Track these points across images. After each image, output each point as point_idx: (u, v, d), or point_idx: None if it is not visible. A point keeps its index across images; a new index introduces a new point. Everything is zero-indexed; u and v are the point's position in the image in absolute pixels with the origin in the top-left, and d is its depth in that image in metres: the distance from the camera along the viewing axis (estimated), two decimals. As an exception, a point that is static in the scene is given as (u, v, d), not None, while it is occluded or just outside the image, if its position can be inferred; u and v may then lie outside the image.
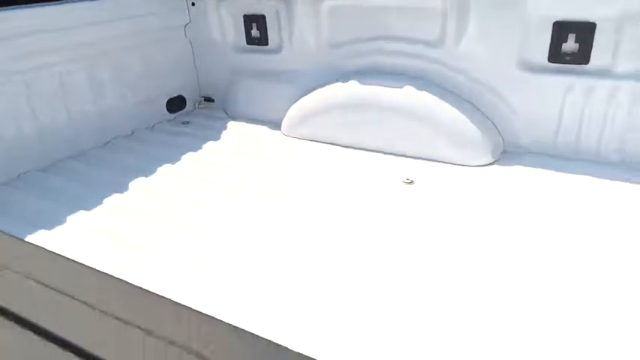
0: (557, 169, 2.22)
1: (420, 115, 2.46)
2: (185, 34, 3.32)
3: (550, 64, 2.28)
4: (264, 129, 3.01)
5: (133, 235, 1.89)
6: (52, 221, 2.00)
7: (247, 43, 3.14)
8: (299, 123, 2.84)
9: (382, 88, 2.56)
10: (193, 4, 3.25)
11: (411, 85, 2.51)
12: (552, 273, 1.55)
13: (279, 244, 1.78)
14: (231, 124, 3.13)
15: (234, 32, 3.16)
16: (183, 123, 3.20)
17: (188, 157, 2.63)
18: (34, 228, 1.94)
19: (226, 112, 3.31)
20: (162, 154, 2.65)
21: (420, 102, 2.46)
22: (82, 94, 2.75)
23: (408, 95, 2.49)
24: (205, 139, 2.87)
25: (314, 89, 2.81)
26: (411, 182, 2.23)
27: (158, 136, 2.98)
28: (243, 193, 2.18)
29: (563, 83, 2.26)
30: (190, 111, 3.43)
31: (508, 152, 2.46)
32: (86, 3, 2.71)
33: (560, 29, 2.20)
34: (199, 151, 2.71)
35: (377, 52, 2.70)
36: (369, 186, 2.19)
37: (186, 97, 3.42)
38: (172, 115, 3.31)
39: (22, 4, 2.53)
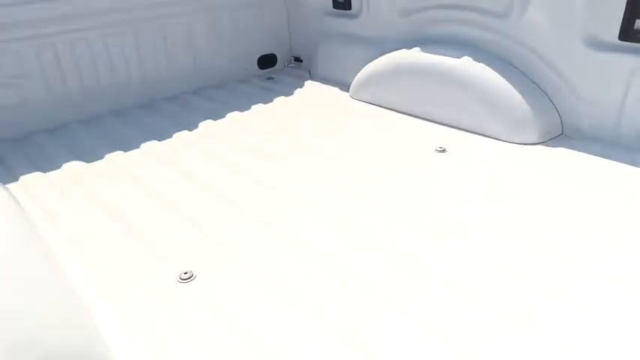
0: (605, 157, 2.07)
1: (473, 86, 2.42)
2: None
3: (620, 42, 2.08)
4: (334, 90, 3.18)
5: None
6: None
7: (333, 7, 3.30)
8: (362, 87, 2.96)
9: (442, 57, 2.56)
10: (290, -33, 3.48)
11: (472, 55, 2.47)
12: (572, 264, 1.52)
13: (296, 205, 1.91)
14: (308, 83, 3.35)
15: None
16: (268, 79, 3.50)
17: (256, 107, 2.92)
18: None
19: (309, 72, 3.53)
20: (238, 103, 2.98)
21: (474, 73, 2.42)
22: (182, 46, 3.17)
23: (464, 65, 2.46)
24: (277, 94, 3.13)
25: (383, 55, 2.90)
26: (444, 150, 2.25)
27: (242, 88, 3.31)
28: (278, 147, 2.39)
29: (633, 64, 2.06)
30: (280, 69, 3.72)
31: (565, 135, 2.33)
32: None
33: (635, 3, 1.99)
34: (268, 104, 2.99)
35: (446, 21, 2.68)
36: (402, 152, 2.26)
37: (277, 55, 3.71)
38: (262, 71, 3.63)
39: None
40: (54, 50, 2.68)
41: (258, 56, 3.60)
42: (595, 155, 2.11)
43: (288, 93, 3.17)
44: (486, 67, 2.41)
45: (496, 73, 2.39)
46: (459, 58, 2.49)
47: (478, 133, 2.43)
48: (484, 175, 2.01)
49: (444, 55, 2.55)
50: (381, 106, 2.86)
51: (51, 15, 2.61)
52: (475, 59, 2.45)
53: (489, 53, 2.50)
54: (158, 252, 1.61)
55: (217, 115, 2.81)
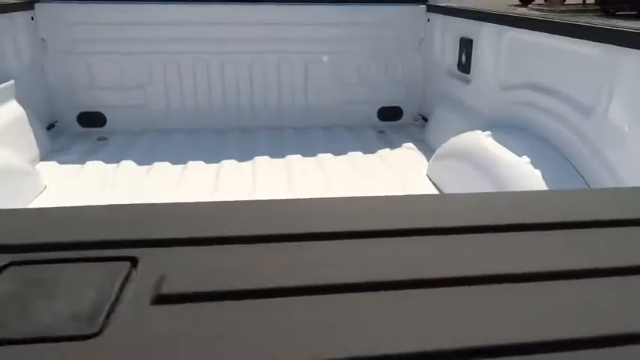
0: None
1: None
2: (418, 49, 3.32)
3: None
4: (420, 158, 2.79)
5: None
6: None
7: (458, 69, 2.90)
8: (433, 164, 2.53)
9: (501, 148, 1.98)
10: (429, 20, 3.20)
11: (534, 155, 1.85)
12: None
13: None
14: (407, 145, 3.02)
15: (450, 55, 2.96)
16: (379, 132, 3.29)
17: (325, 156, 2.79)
18: None
19: (424, 135, 3.18)
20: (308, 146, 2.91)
21: (520, 177, 1.80)
22: (299, 82, 3.28)
23: (517, 165, 1.85)
24: (367, 148, 2.91)
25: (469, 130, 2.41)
26: None
27: (340, 132, 3.19)
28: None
29: None
30: (403, 124, 3.45)
31: None
32: (328, 6, 3.16)
33: None
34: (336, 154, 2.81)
35: (533, 104, 2.07)
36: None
37: (403, 109, 3.45)
38: (380, 123, 3.43)
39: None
40: (177, 65, 3.13)
41: (379, 107, 3.43)
42: None
43: (370, 149, 2.93)
44: (545, 171, 1.77)
45: (554, 177, 1.73)
46: (519, 156, 1.89)
47: None
48: None
49: (506, 148, 1.97)
50: (434, 184, 2.39)
51: (177, 36, 3.06)
52: (535, 162, 1.82)
53: (560, 154, 1.83)
54: None
55: (279, 153, 2.80)
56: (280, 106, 3.31)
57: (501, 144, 2.01)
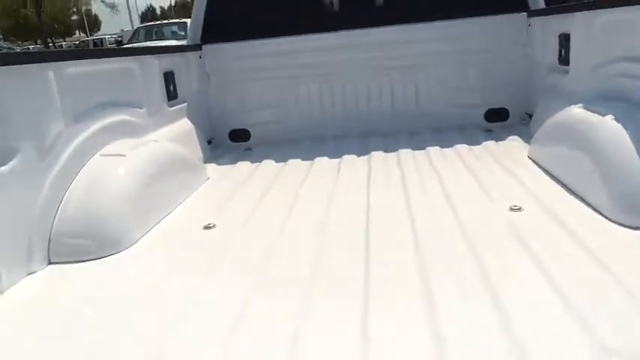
0: None
1: (599, 144, 2.01)
2: (521, 53, 3.55)
3: None
4: (523, 146, 3.00)
5: None
6: None
7: (558, 63, 3.10)
8: (532, 146, 2.75)
9: (590, 113, 2.19)
10: (530, 24, 3.45)
11: (620, 114, 2.03)
12: None
13: None
14: (512, 138, 3.24)
15: (551, 52, 3.18)
16: (486, 130, 3.55)
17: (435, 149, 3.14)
18: None
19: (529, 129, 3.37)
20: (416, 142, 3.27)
21: (606, 132, 2.00)
22: (411, 87, 3.71)
23: (603, 122, 2.05)
24: (472, 143, 3.20)
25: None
26: (519, 209, 2.01)
27: (455, 134, 3.50)
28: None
29: None
30: (510, 124, 3.66)
31: None
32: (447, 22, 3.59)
33: None
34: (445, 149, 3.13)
35: (625, 75, 2.24)
36: (478, 212, 2.12)
37: (509, 110, 3.68)
38: (487, 124, 3.69)
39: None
40: (307, 87, 3.77)
41: (486, 109, 3.70)
42: None
43: (476, 142, 3.20)
44: (626, 127, 1.95)
45: (635, 135, 1.90)
46: (603, 115, 2.09)
47: (579, 197, 2.02)
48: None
49: (594, 112, 2.17)
50: (535, 162, 2.60)
51: (305, 62, 3.70)
52: (619, 117, 2.01)
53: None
54: None
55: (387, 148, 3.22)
56: (394, 113, 3.75)
57: (592, 112, 2.21)
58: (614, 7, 2.40)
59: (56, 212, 2.01)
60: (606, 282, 1.42)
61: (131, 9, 42.35)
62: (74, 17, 55.35)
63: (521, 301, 1.36)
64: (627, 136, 1.93)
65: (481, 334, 1.24)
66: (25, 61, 1.92)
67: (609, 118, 2.06)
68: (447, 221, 1.98)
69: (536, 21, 3.39)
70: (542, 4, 3.50)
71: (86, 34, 54.05)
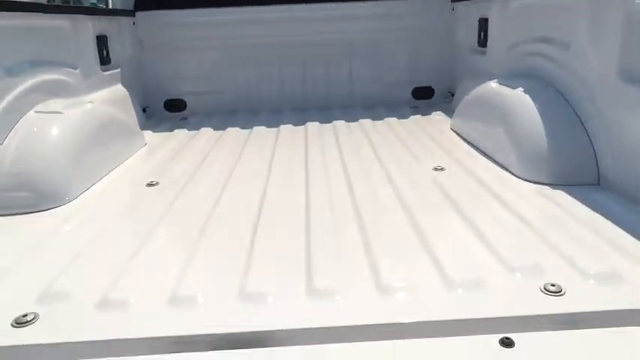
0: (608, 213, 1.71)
1: (510, 113, 2.29)
2: (445, 35, 3.84)
3: None
4: (446, 120, 3.28)
5: None
6: None
7: (477, 45, 3.39)
8: (454, 119, 3.02)
9: (503, 87, 2.47)
10: (453, 9, 3.73)
11: (528, 86, 2.32)
12: None
13: None
14: (435, 113, 3.52)
15: (472, 35, 3.47)
16: (412, 107, 3.81)
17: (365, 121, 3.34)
18: None
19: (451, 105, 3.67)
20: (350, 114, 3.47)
21: (517, 101, 2.28)
22: (344, 69, 3.88)
23: (513, 94, 2.34)
24: (399, 116, 3.45)
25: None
26: (442, 169, 2.24)
27: (380, 110, 3.74)
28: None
29: None
30: (435, 102, 3.95)
31: (601, 187, 1.95)
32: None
33: None
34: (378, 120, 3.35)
35: (532, 53, 2.54)
36: (406, 171, 2.32)
37: (434, 88, 3.97)
38: (414, 101, 3.95)
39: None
40: (243, 59, 3.83)
41: (413, 87, 3.96)
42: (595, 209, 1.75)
43: (404, 116, 3.45)
44: (532, 98, 2.23)
45: (539, 105, 2.19)
46: (514, 88, 2.37)
47: (491, 159, 2.32)
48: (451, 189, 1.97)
49: (506, 86, 2.46)
50: (456, 132, 2.88)
51: (241, 34, 3.76)
52: (527, 89, 2.29)
53: (549, 85, 2.29)
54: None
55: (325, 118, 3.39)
56: (328, 88, 3.91)
57: (504, 86, 2.50)
58: None
59: None
60: (512, 221, 1.67)
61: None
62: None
63: (447, 242, 1.56)
64: (533, 105, 2.21)
65: (412, 262, 1.43)
66: None
67: (519, 90, 2.34)
68: (379, 178, 2.17)
69: (459, 5, 3.68)
70: (465, -10, 3.79)
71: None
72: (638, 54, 1.74)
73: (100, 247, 1.61)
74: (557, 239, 1.51)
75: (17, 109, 2.15)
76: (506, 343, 1.07)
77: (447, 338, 1.09)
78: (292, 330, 1.14)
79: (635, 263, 1.36)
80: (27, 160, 2.03)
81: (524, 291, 1.26)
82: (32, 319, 1.22)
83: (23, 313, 1.24)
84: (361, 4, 3.77)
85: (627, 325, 1.13)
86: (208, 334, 1.13)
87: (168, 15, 3.74)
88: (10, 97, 2.11)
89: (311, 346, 1.09)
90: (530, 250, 1.47)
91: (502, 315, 1.16)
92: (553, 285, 1.26)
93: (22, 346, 1.13)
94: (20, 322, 1.21)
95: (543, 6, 2.46)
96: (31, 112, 2.23)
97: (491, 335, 1.09)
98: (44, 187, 1.99)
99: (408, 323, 1.15)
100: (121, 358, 1.08)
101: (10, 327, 1.19)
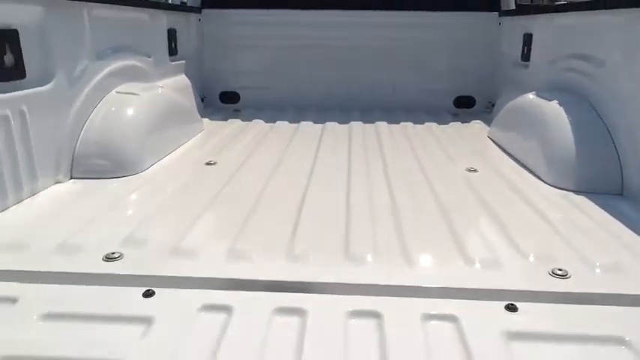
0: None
1: (544, 122, 2.44)
2: (490, 47, 3.99)
3: None
4: (485, 129, 3.43)
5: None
6: None
7: (521, 59, 3.53)
8: (492, 128, 3.19)
9: (540, 100, 2.62)
10: (500, 23, 3.88)
11: (564, 99, 2.47)
12: None
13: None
14: (475, 122, 3.68)
15: (516, 49, 3.61)
16: (454, 115, 3.98)
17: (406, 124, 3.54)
18: None
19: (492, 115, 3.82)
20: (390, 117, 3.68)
21: (551, 112, 2.43)
22: (386, 72, 4.09)
23: (548, 105, 2.49)
24: (441, 121, 3.63)
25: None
26: (475, 170, 2.42)
27: (425, 115, 3.92)
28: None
29: None
30: (476, 111, 4.10)
31: (624, 197, 2.09)
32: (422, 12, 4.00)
33: None
34: (417, 125, 3.54)
35: (569, 69, 2.68)
36: (442, 171, 2.50)
37: (476, 98, 4.11)
38: (455, 109, 4.11)
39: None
40: (296, 57, 4.09)
41: (455, 96, 4.12)
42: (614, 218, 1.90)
43: (444, 122, 3.62)
44: (565, 111, 2.38)
45: (572, 117, 2.34)
46: (549, 100, 2.52)
47: (522, 164, 2.49)
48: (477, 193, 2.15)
49: (543, 99, 2.61)
50: (492, 140, 3.04)
51: (296, 34, 4.03)
52: (562, 102, 2.44)
53: (583, 99, 2.43)
54: None
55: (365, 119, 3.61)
56: (372, 90, 4.12)
57: (541, 98, 2.65)
58: (567, 11, 2.84)
59: (78, 137, 2.29)
60: (534, 218, 1.84)
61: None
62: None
63: (471, 230, 1.75)
64: (565, 117, 2.36)
65: (439, 243, 1.64)
66: None
67: (554, 102, 2.49)
68: (416, 176, 2.36)
69: (506, 20, 3.82)
70: (512, 6, 3.93)
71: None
72: None
73: (168, 210, 1.88)
74: (573, 236, 1.68)
75: (103, 89, 2.48)
76: (511, 308, 1.26)
77: (462, 300, 1.29)
78: (328, 283, 1.36)
79: (638, 260, 1.52)
80: (108, 133, 2.34)
81: (533, 271, 1.44)
82: (118, 257, 1.49)
83: (112, 251, 1.52)
84: (410, 12, 3.97)
85: (622, 306, 1.29)
86: (261, 280, 1.37)
87: (230, 14, 4.05)
88: (98, 77, 2.44)
89: (344, 295, 1.31)
90: (546, 242, 1.64)
91: (510, 288, 1.35)
92: (560, 269, 1.44)
93: (111, 274, 1.40)
94: (110, 258, 1.49)
95: (583, 25, 2.60)
96: (113, 92, 2.55)
97: (499, 302, 1.28)
98: (120, 157, 2.30)
99: (431, 288, 1.36)
100: (181, 290, 1.33)
101: (102, 261, 1.47)
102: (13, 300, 1.26)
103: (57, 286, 1.35)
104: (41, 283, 1.35)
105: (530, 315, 1.24)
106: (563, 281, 1.39)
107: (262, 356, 1.07)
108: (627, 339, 1.14)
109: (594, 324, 1.21)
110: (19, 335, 1.13)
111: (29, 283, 1.34)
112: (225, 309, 1.23)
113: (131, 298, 1.29)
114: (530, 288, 1.36)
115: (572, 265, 1.48)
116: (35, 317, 1.19)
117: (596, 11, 2.44)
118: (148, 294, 1.30)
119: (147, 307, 1.25)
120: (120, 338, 1.12)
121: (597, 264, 1.48)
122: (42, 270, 1.41)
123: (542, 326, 1.20)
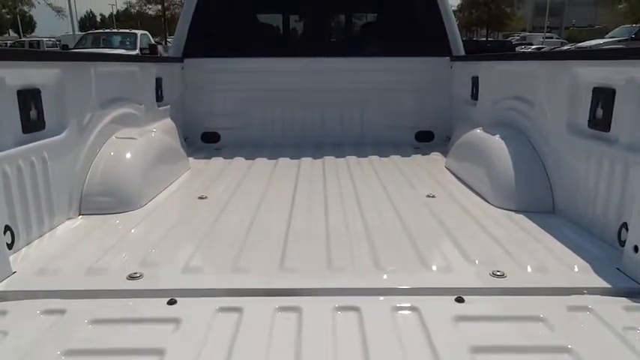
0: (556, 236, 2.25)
1: (489, 154, 2.88)
2: (445, 87, 4.50)
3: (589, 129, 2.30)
4: (440, 161, 3.88)
5: None
6: None
7: (470, 98, 4.03)
8: (447, 158, 3.63)
9: (485, 134, 3.08)
10: (451, 67, 4.40)
11: (504, 134, 2.93)
12: None
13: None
14: (435, 154, 4.13)
15: (466, 89, 4.11)
16: (415, 147, 4.42)
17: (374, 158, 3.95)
18: None
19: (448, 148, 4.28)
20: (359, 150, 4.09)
21: (494, 145, 2.88)
22: (356, 114, 4.53)
23: (492, 139, 2.94)
24: (403, 154, 4.06)
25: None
26: (433, 196, 2.82)
27: (390, 148, 4.35)
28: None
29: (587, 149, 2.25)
30: (434, 144, 4.56)
31: (555, 214, 2.52)
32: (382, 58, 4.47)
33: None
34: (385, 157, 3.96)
35: (509, 108, 3.16)
36: (405, 197, 2.90)
37: (434, 132, 4.59)
38: (417, 143, 4.57)
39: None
40: (271, 100, 4.50)
41: (416, 131, 4.59)
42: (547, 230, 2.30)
43: (407, 155, 4.06)
44: (506, 144, 2.83)
45: (511, 149, 2.78)
46: (493, 135, 2.98)
47: (473, 190, 2.90)
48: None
49: (488, 133, 3.06)
50: (448, 169, 3.48)
51: (269, 80, 4.44)
52: (503, 136, 2.90)
53: (521, 133, 2.89)
54: None
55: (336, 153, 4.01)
56: (342, 129, 4.55)
57: (486, 133, 3.11)
58: (505, 60, 3.35)
59: (85, 178, 2.58)
60: (482, 234, 2.24)
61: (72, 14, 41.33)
62: (8, 16, 53.11)
63: (429, 244, 2.13)
64: (506, 149, 2.81)
65: (402, 254, 2.00)
66: (80, 58, 2.51)
67: (497, 137, 2.95)
68: (383, 202, 2.75)
69: (457, 64, 4.35)
70: (462, 52, 4.46)
71: (18, 35, 52.04)
72: (579, 113, 2.35)
73: (172, 238, 2.19)
74: (511, 246, 2.07)
75: (105, 135, 2.79)
76: (459, 300, 1.62)
77: (422, 296, 1.65)
78: (316, 288, 1.70)
79: (560, 262, 1.91)
80: (111, 174, 2.65)
81: (477, 273, 1.82)
82: (139, 276, 1.79)
83: (133, 272, 1.81)
84: (374, 59, 4.46)
85: (544, 295, 1.67)
86: (262, 288, 1.70)
87: (209, 62, 4.45)
88: (101, 125, 2.75)
89: (329, 297, 1.65)
90: (489, 251, 2.03)
91: (459, 286, 1.71)
92: (499, 271, 1.82)
93: (138, 289, 1.70)
94: (132, 277, 1.79)
95: (517, 72, 3.10)
96: (113, 137, 2.86)
97: (450, 296, 1.65)
98: (123, 195, 2.60)
99: (397, 288, 1.71)
100: (199, 298, 1.64)
101: (126, 279, 1.77)
102: (61, 312, 1.54)
103: (94, 300, 1.64)
104: (80, 298, 1.64)
105: (474, 304, 1.61)
106: (501, 280, 1.77)
107: (271, 341, 1.39)
108: (543, 316, 1.51)
109: (522, 309, 1.58)
110: (75, 334, 1.42)
111: (70, 299, 1.63)
112: (237, 310, 1.55)
113: (158, 306, 1.59)
114: (474, 285, 1.73)
115: (508, 267, 1.86)
116: (86, 321, 1.48)
117: (527, 61, 2.94)
118: (172, 302, 1.61)
119: (173, 311, 1.55)
120: (157, 333, 1.42)
121: (527, 266, 1.87)
122: (79, 288, 1.69)
123: (482, 311, 1.57)
